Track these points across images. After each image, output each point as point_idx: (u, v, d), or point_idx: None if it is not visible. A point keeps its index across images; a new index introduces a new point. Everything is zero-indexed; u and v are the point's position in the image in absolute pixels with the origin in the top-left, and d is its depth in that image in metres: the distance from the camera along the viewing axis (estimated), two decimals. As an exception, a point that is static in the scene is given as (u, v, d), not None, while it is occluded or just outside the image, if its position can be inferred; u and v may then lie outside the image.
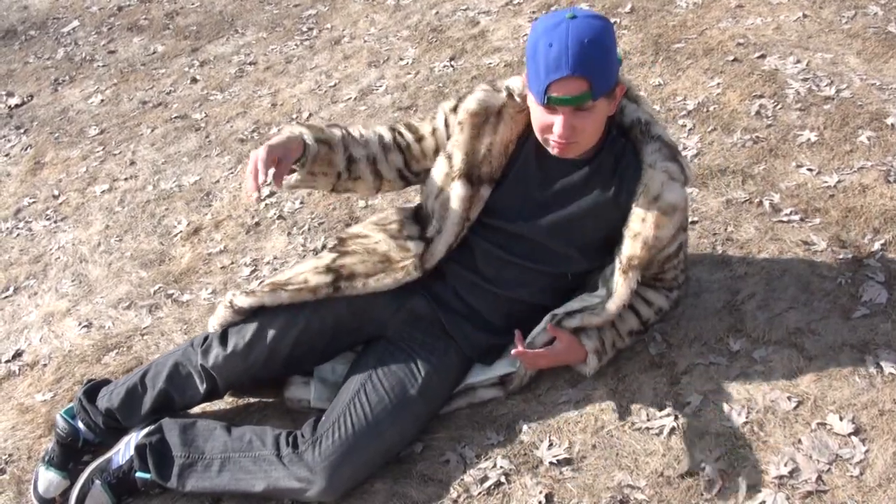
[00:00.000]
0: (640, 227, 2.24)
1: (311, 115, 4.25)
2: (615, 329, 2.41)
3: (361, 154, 2.40)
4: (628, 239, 2.27)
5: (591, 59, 2.02)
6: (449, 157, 2.36)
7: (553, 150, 2.21)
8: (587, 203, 2.33)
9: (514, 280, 2.41)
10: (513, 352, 2.32)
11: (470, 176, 2.33)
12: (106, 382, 2.61)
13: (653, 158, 2.25)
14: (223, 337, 2.42)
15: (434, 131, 2.41)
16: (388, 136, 2.44)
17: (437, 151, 2.41)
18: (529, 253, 2.39)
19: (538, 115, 2.16)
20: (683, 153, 3.16)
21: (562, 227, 2.35)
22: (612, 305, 2.31)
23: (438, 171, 2.39)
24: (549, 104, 2.07)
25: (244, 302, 2.41)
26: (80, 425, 2.53)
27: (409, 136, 2.44)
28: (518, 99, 2.31)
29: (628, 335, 2.45)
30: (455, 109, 2.37)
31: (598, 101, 2.09)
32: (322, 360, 2.51)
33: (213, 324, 2.47)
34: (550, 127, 2.13)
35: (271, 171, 2.18)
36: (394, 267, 2.44)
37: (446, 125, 2.39)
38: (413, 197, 3.31)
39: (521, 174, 2.36)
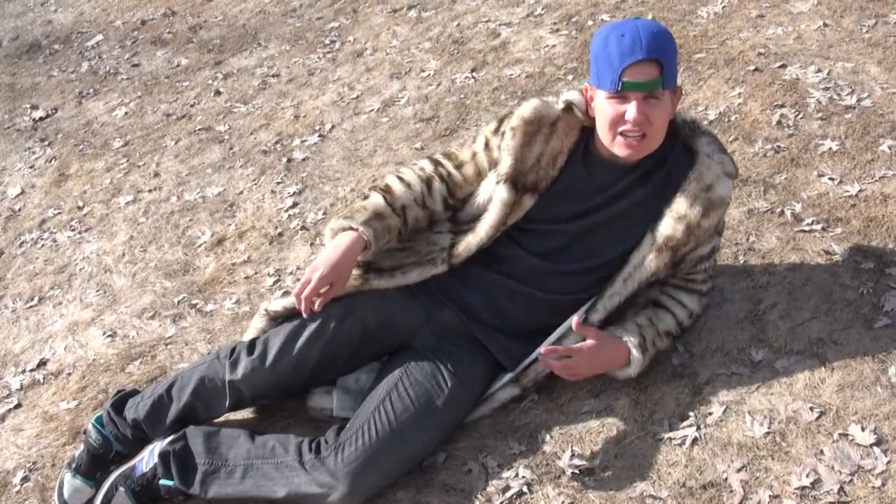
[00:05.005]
0: (686, 211, 2.29)
1: (333, 126, 4.28)
2: (654, 326, 2.40)
3: (409, 199, 2.45)
4: (670, 219, 2.31)
5: (663, 45, 2.16)
6: (497, 162, 2.39)
7: (621, 150, 2.27)
8: (631, 200, 2.37)
9: (553, 284, 2.42)
10: (541, 361, 2.35)
11: (516, 182, 2.35)
12: (133, 393, 2.63)
13: (710, 149, 2.34)
14: (251, 349, 2.45)
15: (474, 155, 2.45)
16: (429, 167, 2.48)
17: (479, 175, 2.45)
18: (570, 255, 2.40)
19: (608, 111, 2.21)
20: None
21: (603, 224, 2.38)
22: (636, 280, 2.36)
23: (487, 179, 2.43)
24: (623, 90, 2.15)
25: (277, 305, 2.52)
26: (111, 437, 2.55)
27: (448, 165, 2.47)
28: (579, 113, 2.35)
29: (666, 335, 2.43)
30: (497, 131, 2.40)
31: (666, 92, 2.20)
32: (349, 369, 2.53)
33: (249, 336, 2.52)
34: (622, 117, 2.19)
35: (318, 299, 2.37)
36: (420, 260, 2.46)
37: (487, 147, 2.42)
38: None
39: (571, 184, 2.38)
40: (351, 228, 2.38)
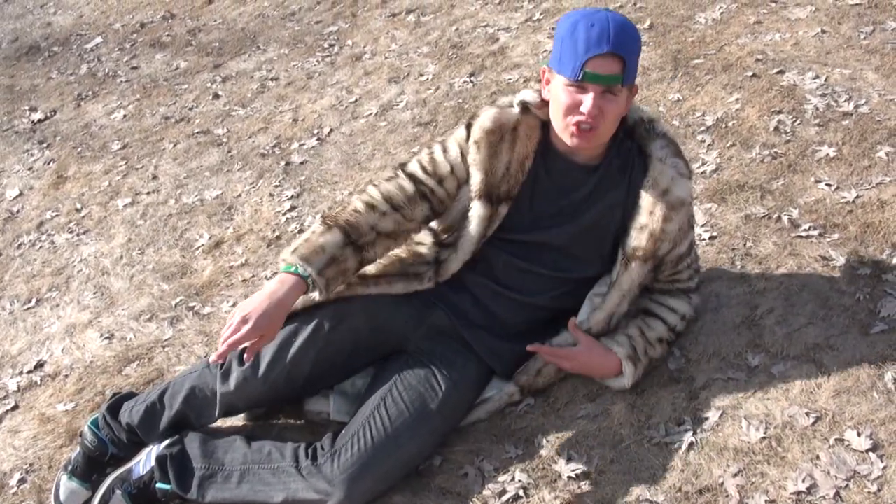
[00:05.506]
0: (646, 220, 2.29)
1: (331, 130, 4.28)
2: (644, 336, 2.40)
3: (372, 237, 2.34)
4: (634, 231, 2.32)
5: (629, 42, 2.15)
6: (469, 178, 2.37)
7: (571, 140, 2.24)
8: (601, 207, 2.37)
9: (535, 287, 2.43)
10: (528, 347, 2.38)
11: (490, 196, 2.33)
12: (129, 396, 2.62)
13: (662, 153, 2.32)
14: (242, 359, 2.43)
15: (453, 169, 2.38)
16: (410, 187, 2.38)
17: (459, 187, 2.40)
18: (549, 261, 2.41)
19: (565, 98, 2.19)
20: (702, 168, 3.17)
21: (579, 234, 2.38)
22: (614, 296, 2.37)
23: (462, 192, 2.40)
24: (583, 80, 2.14)
25: None
26: (107, 440, 2.55)
27: (430, 182, 2.39)
28: (534, 109, 2.34)
29: (658, 342, 2.42)
30: (468, 139, 2.36)
31: (623, 90, 2.19)
32: (343, 377, 2.52)
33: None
34: (577, 107, 2.17)
35: (244, 344, 2.18)
36: (405, 271, 2.46)
37: (463, 158, 2.37)
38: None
39: (534, 189, 2.37)
40: (300, 276, 2.24)
